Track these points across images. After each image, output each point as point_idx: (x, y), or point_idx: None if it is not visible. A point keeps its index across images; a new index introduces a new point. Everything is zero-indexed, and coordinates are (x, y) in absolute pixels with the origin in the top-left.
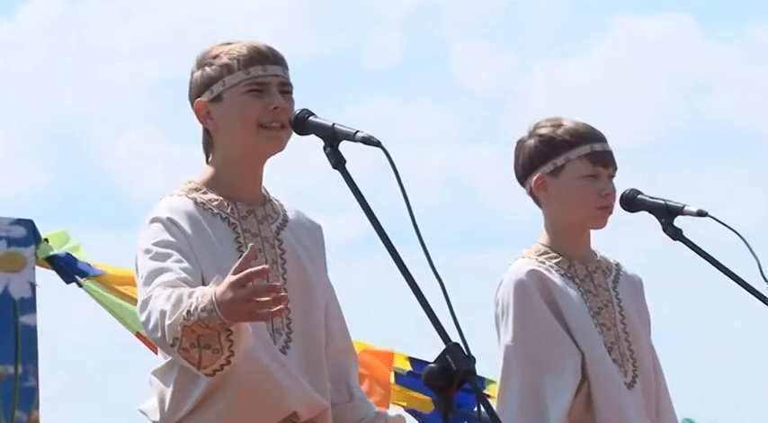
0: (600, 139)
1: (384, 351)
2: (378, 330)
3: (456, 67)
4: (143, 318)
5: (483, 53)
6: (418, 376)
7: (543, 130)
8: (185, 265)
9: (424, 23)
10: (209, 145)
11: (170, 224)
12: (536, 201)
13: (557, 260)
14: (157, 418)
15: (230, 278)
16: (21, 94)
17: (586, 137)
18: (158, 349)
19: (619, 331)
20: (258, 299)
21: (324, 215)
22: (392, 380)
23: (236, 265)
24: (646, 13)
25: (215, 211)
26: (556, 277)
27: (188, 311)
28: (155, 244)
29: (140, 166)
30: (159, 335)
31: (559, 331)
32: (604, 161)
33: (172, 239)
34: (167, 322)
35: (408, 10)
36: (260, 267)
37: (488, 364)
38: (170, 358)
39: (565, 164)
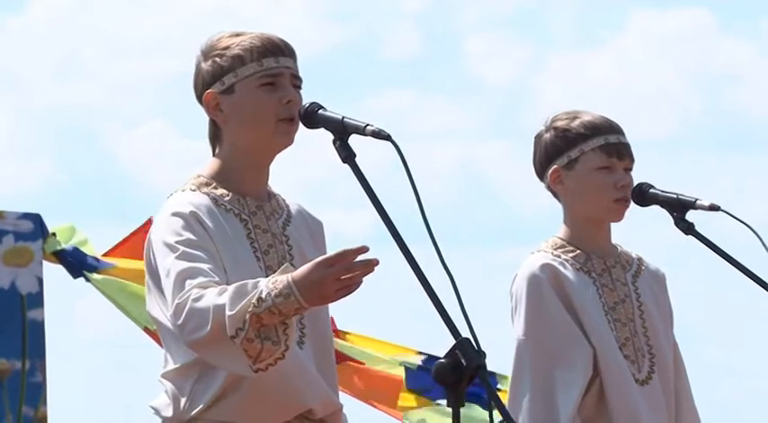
0: (615, 131)
1: (393, 377)
2: (389, 325)
3: (472, 61)
4: (180, 320)
5: (499, 47)
6: (428, 371)
7: (559, 123)
8: (213, 266)
9: (440, 17)
10: (215, 137)
11: (193, 220)
12: (554, 195)
13: (573, 254)
14: (170, 414)
15: (316, 260)
16: (29, 88)
17: (601, 129)
18: (169, 353)
19: (637, 326)
20: (350, 275)
21: (337, 209)
22: (403, 377)
23: (330, 255)
24: (662, 6)
25: (228, 206)
26: (570, 271)
27: (258, 299)
28: (180, 242)
29: (151, 161)
30: (207, 330)
31: (571, 326)
32: (619, 153)
33: (195, 238)
34: (228, 313)
35: (424, 3)
36: (357, 247)
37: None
38: (180, 364)
39: (579, 156)
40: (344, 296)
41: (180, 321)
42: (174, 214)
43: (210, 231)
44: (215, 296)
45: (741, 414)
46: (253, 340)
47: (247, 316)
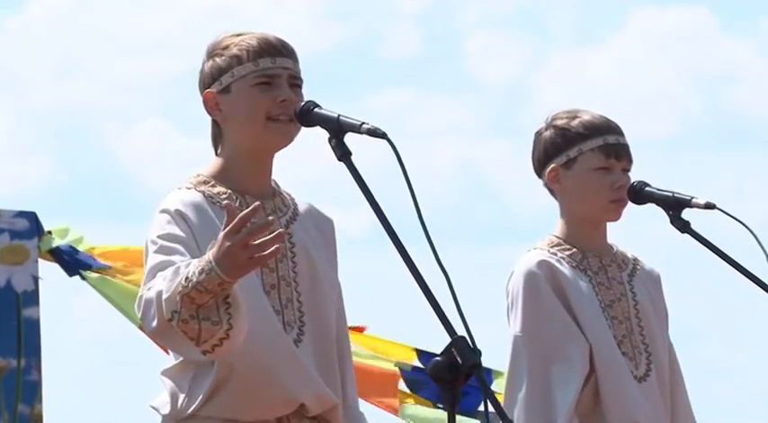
0: (614, 131)
1: (389, 372)
2: (386, 323)
3: (472, 60)
4: (140, 314)
5: (499, 46)
6: (422, 370)
7: (559, 122)
8: (189, 260)
9: (440, 16)
10: (217, 137)
11: (178, 216)
12: (552, 193)
13: (569, 252)
14: (168, 411)
15: (222, 232)
16: (29, 87)
17: (600, 129)
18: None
19: (632, 325)
20: (257, 241)
21: (334, 208)
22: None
23: (225, 220)
24: (662, 5)
25: (223, 204)
26: (566, 269)
27: (185, 278)
28: (161, 237)
29: (150, 160)
30: (156, 322)
31: (568, 322)
32: (618, 154)
33: (178, 233)
34: (164, 297)
35: (425, 2)
36: (251, 207)
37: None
38: (179, 359)
39: (577, 156)
40: (260, 263)
41: (140, 315)
42: (161, 211)
43: (195, 228)
44: (159, 282)
45: (738, 413)
46: (188, 321)
47: (178, 297)
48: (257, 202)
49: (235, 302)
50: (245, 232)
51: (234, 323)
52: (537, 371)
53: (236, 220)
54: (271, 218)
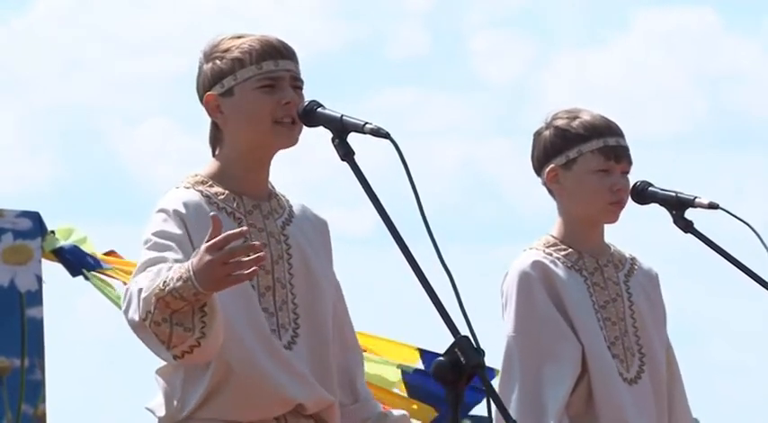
0: (615, 133)
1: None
2: (388, 322)
3: (476, 60)
4: (124, 306)
5: (503, 45)
6: (425, 374)
7: (559, 122)
8: (181, 257)
9: (446, 15)
10: (216, 138)
11: (175, 215)
12: (550, 192)
13: (565, 252)
14: (163, 413)
15: (206, 243)
16: (32, 86)
17: (601, 131)
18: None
19: (627, 326)
20: (236, 260)
21: (338, 208)
22: (400, 378)
23: (210, 232)
24: (666, 5)
25: (221, 204)
26: (561, 269)
27: (164, 282)
28: (155, 234)
29: (153, 158)
30: (136, 316)
31: (561, 323)
32: (617, 156)
33: (173, 231)
34: (142, 296)
35: (430, 2)
36: (238, 230)
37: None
38: None
39: (577, 157)
40: (237, 281)
41: (123, 307)
42: (159, 211)
43: (192, 227)
44: (143, 278)
45: (740, 414)
46: (160, 324)
47: (153, 299)
48: (245, 228)
49: (211, 312)
50: (227, 250)
51: (207, 332)
52: (529, 371)
53: (221, 237)
54: (257, 243)
